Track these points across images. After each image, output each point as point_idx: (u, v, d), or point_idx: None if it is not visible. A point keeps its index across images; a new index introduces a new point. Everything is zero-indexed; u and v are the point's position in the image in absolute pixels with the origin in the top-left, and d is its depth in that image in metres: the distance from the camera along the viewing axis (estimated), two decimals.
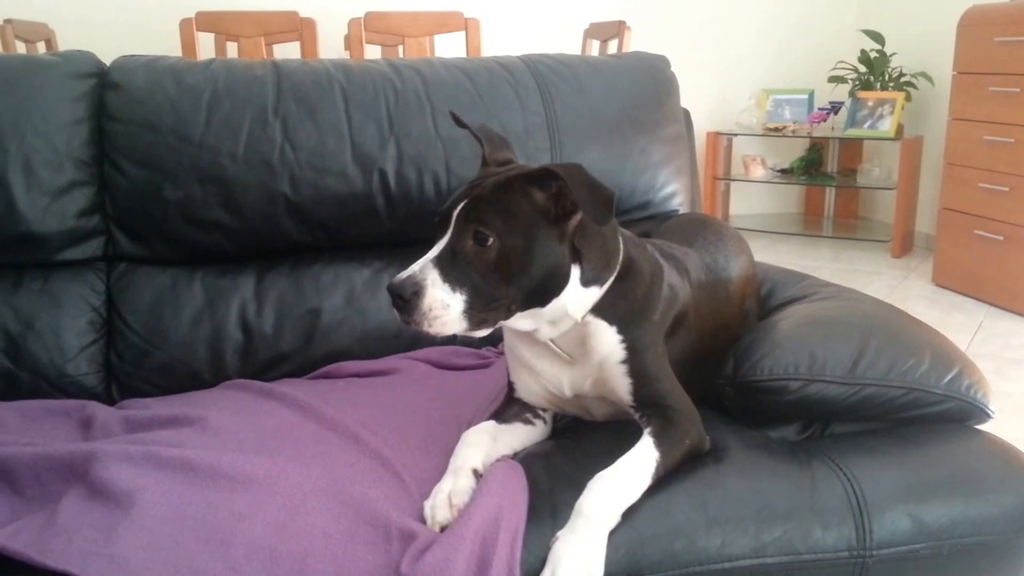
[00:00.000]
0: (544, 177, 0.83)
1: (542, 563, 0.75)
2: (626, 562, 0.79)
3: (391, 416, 0.99)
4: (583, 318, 0.89)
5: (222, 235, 1.22)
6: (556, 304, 0.86)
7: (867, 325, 0.99)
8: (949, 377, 0.94)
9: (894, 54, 3.71)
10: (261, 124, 1.22)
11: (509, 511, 0.79)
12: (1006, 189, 2.81)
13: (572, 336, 0.91)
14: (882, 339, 0.96)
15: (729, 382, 0.97)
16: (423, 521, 0.79)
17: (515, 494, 0.81)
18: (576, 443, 0.94)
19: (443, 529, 0.77)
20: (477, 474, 0.84)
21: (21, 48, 2.55)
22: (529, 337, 0.92)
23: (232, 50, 2.83)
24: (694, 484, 0.84)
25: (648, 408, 0.89)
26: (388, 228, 1.29)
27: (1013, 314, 2.82)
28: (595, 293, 0.89)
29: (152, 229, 1.21)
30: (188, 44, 2.65)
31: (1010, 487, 0.89)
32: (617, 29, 2.76)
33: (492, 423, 0.94)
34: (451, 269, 0.81)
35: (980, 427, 0.99)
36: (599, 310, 0.90)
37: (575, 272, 0.86)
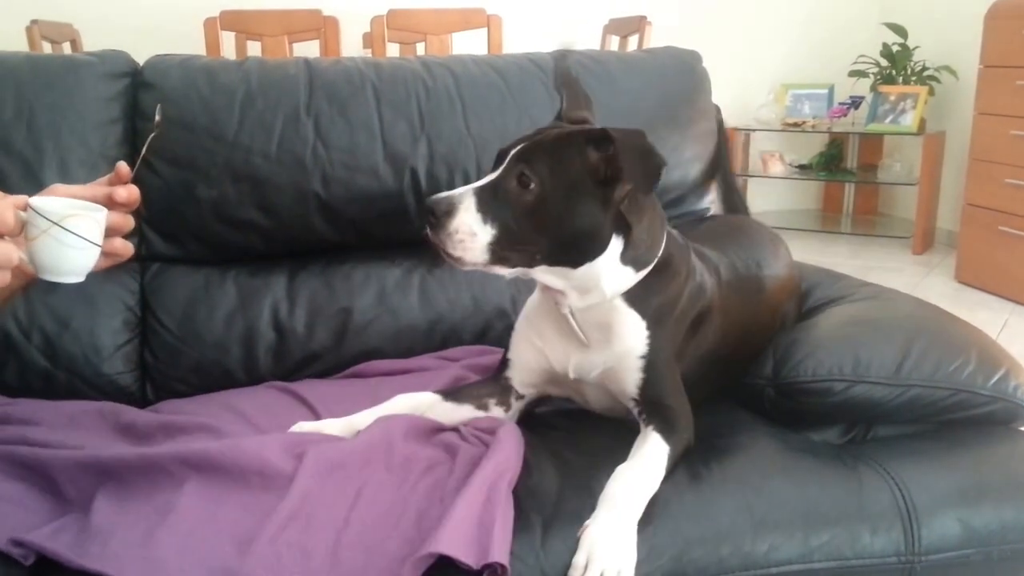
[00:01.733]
0: (601, 138, 0.83)
1: (562, 559, 0.75)
2: (671, 567, 0.78)
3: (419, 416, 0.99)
4: (613, 300, 0.89)
5: (255, 234, 1.23)
6: (588, 271, 0.87)
7: (911, 325, 0.98)
8: (996, 378, 0.93)
9: (917, 48, 3.67)
10: (294, 123, 1.21)
11: (513, 464, 0.83)
12: None
13: (596, 317, 0.90)
14: (927, 339, 0.95)
15: (770, 383, 0.96)
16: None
17: (514, 452, 0.86)
18: (582, 439, 0.94)
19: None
20: (350, 431, 0.91)
21: (47, 48, 2.56)
22: (551, 309, 0.93)
23: (254, 49, 2.83)
24: (739, 487, 0.84)
25: (649, 405, 0.90)
26: (419, 227, 1.28)
27: None
28: (630, 276, 0.89)
29: (185, 229, 1.21)
30: (212, 43, 2.66)
31: None
32: (637, 24, 2.75)
33: (436, 397, 0.97)
34: (490, 202, 0.82)
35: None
36: (632, 299, 0.90)
37: (617, 245, 0.87)
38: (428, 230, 0.84)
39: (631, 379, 0.90)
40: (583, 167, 0.84)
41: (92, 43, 2.67)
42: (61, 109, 1.14)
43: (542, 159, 0.84)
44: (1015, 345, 2.53)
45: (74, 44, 2.78)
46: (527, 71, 1.34)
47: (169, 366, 1.18)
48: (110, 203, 0.77)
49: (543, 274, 0.88)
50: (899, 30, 3.67)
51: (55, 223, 0.68)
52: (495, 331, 1.28)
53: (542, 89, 1.32)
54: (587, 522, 0.77)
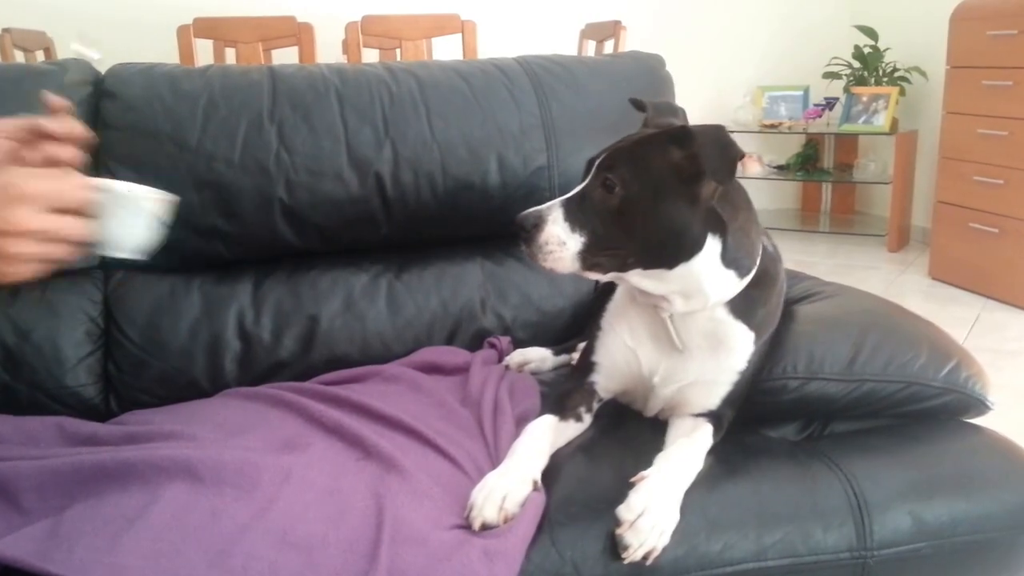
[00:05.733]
0: (682, 136, 0.84)
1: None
2: (628, 569, 0.78)
3: (394, 419, 0.99)
4: (716, 310, 0.89)
5: (219, 242, 1.22)
6: (686, 272, 0.86)
7: (864, 321, 0.99)
8: (947, 370, 0.95)
9: (887, 49, 3.72)
10: (257, 129, 1.21)
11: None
12: (1000, 182, 2.82)
13: (700, 326, 0.90)
14: (879, 335, 0.96)
15: None
16: (467, 515, 0.78)
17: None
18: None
19: (484, 528, 0.76)
20: (536, 486, 0.82)
21: (20, 57, 2.53)
22: (649, 311, 0.92)
23: (231, 56, 2.82)
24: (695, 488, 0.84)
25: (715, 413, 0.92)
26: (385, 232, 1.28)
27: (1009, 306, 2.83)
28: (734, 282, 0.88)
29: None
30: (186, 51, 2.65)
31: (1010, 484, 0.89)
32: (613, 29, 2.76)
33: (554, 419, 0.93)
34: (576, 211, 0.84)
35: (980, 420, 0.99)
36: (737, 309, 0.90)
37: (715, 245, 0.86)
38: (523, 245, 0.85)
39: (718, 392, 0.91)
40: (666, 166, 0.84)
41: (66, 51, 2.65)
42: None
43: (625, 163, 0.84)
44: (987, 339, 2.57)
45: (47, 52, 2.75)
46: (490, 75, 1.35)
47: (133, 377, 1.17)
48: (41, 135, 0.75)
49: (639, 279, 0.87)
50: (870, 32, 3.72)
51: (133, 201, 0.73)
52: (464, 334, 1.28)
53: (506, 93, 1.33)
54: (644, 472, 0.79)
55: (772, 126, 3.93)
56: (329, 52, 3.02)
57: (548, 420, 0.92)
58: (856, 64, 3.79)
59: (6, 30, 2.48)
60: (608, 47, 2.83)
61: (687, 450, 0.85)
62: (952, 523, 0.85)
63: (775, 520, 0.82)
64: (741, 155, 0.80)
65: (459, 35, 2.81)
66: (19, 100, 1.14)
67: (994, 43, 2.80)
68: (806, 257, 3.53)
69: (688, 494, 0.83)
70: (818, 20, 4.09)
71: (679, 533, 0.80)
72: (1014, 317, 2.76)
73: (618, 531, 0.76)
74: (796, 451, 0.91)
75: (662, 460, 0.81)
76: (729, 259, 0.87)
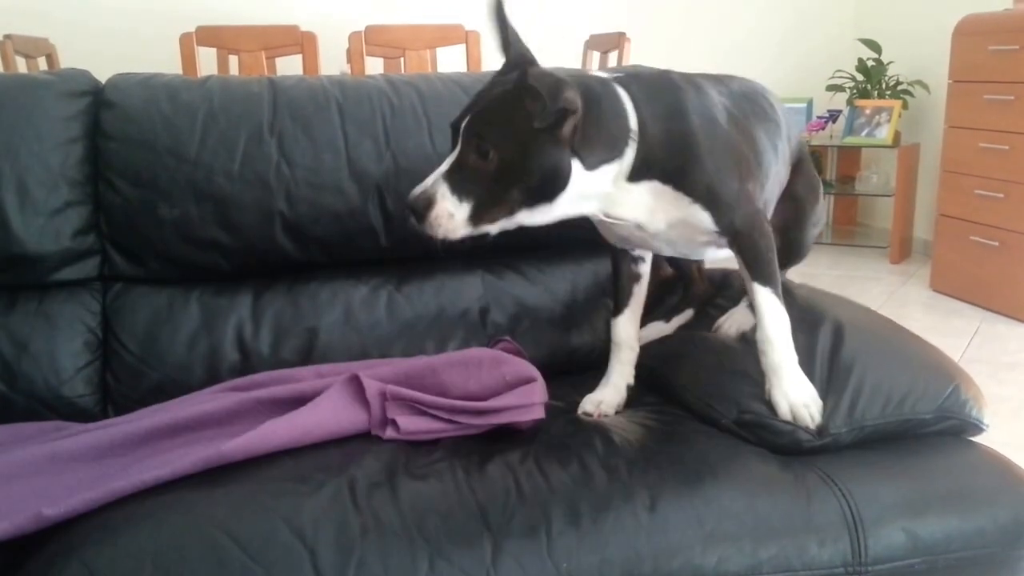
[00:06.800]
0: (529, 88, 0.86)
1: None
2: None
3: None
4: (620, 183, 0.94)
5: (218, 253, 1.22)
6: (567, 195, 0.91)
7: (863, 361, 0.99)
8: (945, 396, 0.95)
9: (891, 63, 3.73)
10: (257, 141, 1.21)
11: None
12: (1001, 196, 2.82)
13: (629, 199, 0.96)
14: (878, 371, 0.97)
15: (733, 420, 0.98)
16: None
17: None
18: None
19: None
20: (629, 388, 1.09)
21: (22, 63, 2.54)
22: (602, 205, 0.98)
23: (234, 64, 2.84)
24: (691, 501, 0.84)
25: (732, 234, 0.98)
26: (385, 244, 1.29)
27: (1009, 319, 2.83)
28: (612, 168, 0.93)
29: (148, 248, 1.20)
30: (188, 59, 2.66)
31: (1004, 500, 0.89)
32: (617, 41, 2.78)
33: (628, 315, 1.11)
34: (459, 181, 0.89)
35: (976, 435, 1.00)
36: (641, 172, 0.94)
37: (576, 164, 0.91)
38: (415, 223, 0.90)
39: (703, 219, 0.96)
40: (527, 118, 0.87)
41: (68, 58, 2.66)
42: (19, 129, 1.14)
43: (489, 125, 0.88)
44: (985, 351, 2.57)
45: (50, 59, 2.75)
46: None
47: (131, 388, 1.17)
48: None
49: (529, 217, 0.92)
50: (874, 46, 3.73)
51: None
52: (464, 346, 1.28)
53: None
54: (768, 387, 0.96)
55: None
56: (333, 61, 3.03)
57: (627, 320, 1.11)
58: (859, 77, 3.80)
59: (7, 36, 2.47)
60: (612, 59, 2.84)
61: (771, 336, 0.96)
62: (946, 539, 0.85)
63: (770, 534, 0.82)
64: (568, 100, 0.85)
65: (463, 45, 2.82)
66: (17, 110, 1.16)
67: (995, 58, 2.81)
68: (809, 268, 3.51)
69: (684, 508, 0.83)
70: (822, 33, 4.10)
71: (674, 546, 0.80)
72: (1014, 330, 2.75)
73: (785, 423, 0.94)
74: (792, 465, 0.91)
75: (769, 370, 0.96)
76: (593, 164, 0.92)
